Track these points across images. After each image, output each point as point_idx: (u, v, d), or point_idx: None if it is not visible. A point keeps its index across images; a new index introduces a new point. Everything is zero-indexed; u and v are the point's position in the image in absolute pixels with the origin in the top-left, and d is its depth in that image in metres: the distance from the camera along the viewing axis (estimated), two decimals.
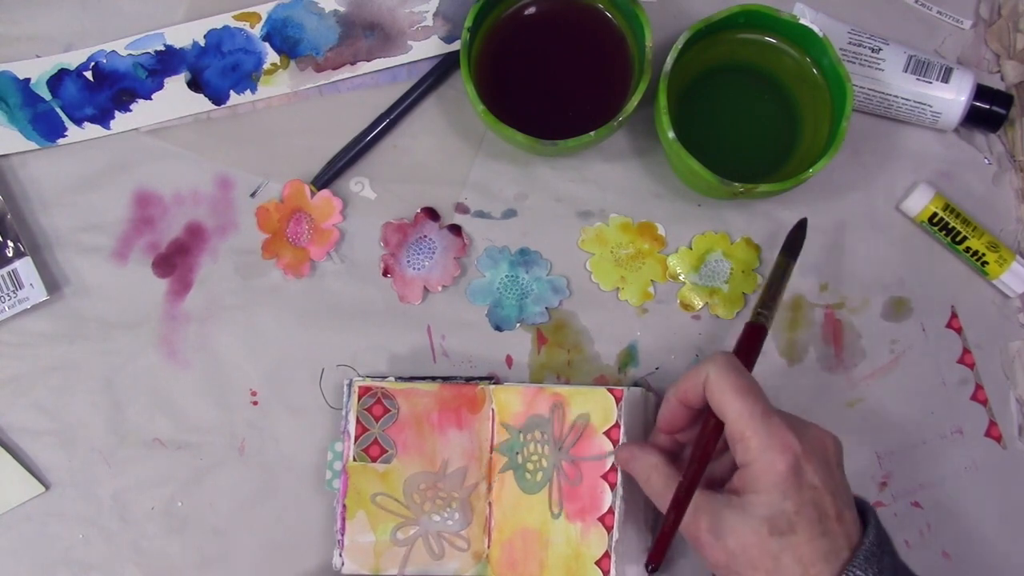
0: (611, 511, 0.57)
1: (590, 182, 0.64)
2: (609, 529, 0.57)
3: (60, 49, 0.63)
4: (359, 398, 0.59)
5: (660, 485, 0.52)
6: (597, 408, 0.58)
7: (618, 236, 0.63)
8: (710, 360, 0.51)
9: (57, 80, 0.63)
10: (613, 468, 0.57)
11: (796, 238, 0.58)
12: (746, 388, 0.50)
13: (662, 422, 0.55)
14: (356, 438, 0.59)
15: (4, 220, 0.61)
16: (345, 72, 0.64)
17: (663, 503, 0.51)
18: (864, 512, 0.51)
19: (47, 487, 0.61)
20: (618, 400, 0.58)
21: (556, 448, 0.58)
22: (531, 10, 0.62)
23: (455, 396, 0.59)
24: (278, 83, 0.64)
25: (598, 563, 0.57)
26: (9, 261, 0.61)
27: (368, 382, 0.59)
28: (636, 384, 0.62)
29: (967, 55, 0.65)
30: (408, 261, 0.63)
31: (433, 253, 0.63)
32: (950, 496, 0.63)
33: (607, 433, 0.58)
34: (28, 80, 0.63)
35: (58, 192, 0.63)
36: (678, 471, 0.52)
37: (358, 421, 0.59)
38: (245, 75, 0.64)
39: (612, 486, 0.57)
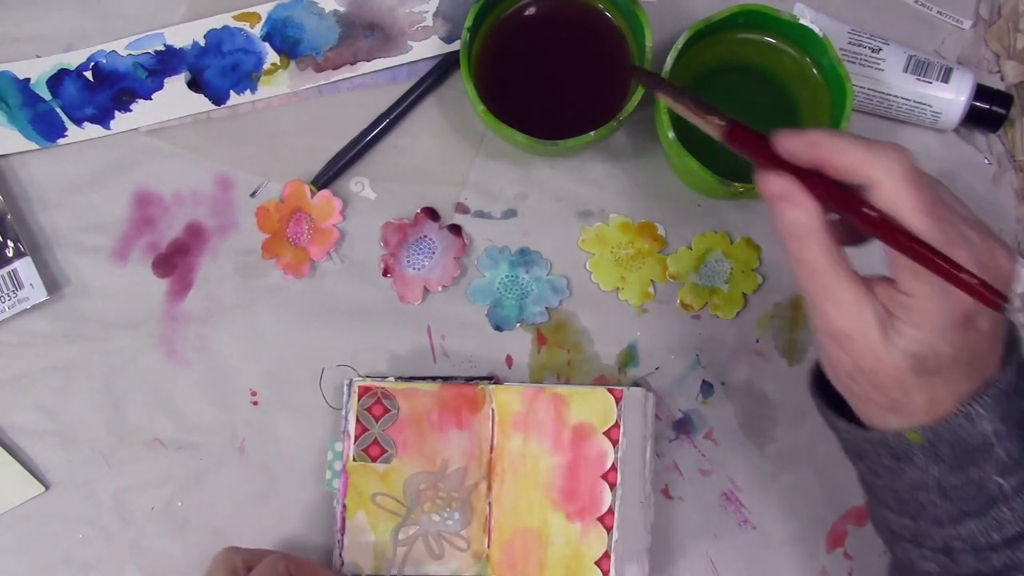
0: (611, 511, 0.57)
1: (590, 182, 0.64)
2: (609, 529, 0.57)
3: (60, 49, 0.63)
4: (359, 398, 0.59)
5: (822, 250, 0.41)
6: (597, 408, 0.58)
7: (618, 236, 0.63)
8: (881, 157, 0.40)
9: (57, 80, 0.63)
10: (613, 468, 0.57)
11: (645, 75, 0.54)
12: (930, 207, 0.39)
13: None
14: (356, 438, 0.59)
15: (4, 220, 0.61)
16: (345, 72, 0.64)
17: (816, 267, 0.41)
18: (1011, 343, 0.44)
19: (47, 487, 0.61)
20: (618, 400, 0.58)
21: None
22: (531, 10, 0.62)
23: (455, 396, 0.59)
24: (278, 83, 0.64)
25: (597, 563, 0.57)
26: (9, 261, 0.61)
27: (368, 382, 0.59)
28: (636, 384, 0.62)
29: (967, 55, 0.65)
30: (408, 261, 0.63)
31: (433, 253, 0.63)
32: None
33: (607, 433, 0.58)
34: (28, 80, 0.63)
35: (58, 192, 0.63)
36: (835, 237, 0.42)
37: (358, 421, 0.59)
38: (245, 75, 0.64)
39: (612, 486, 0.57)
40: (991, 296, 0.38)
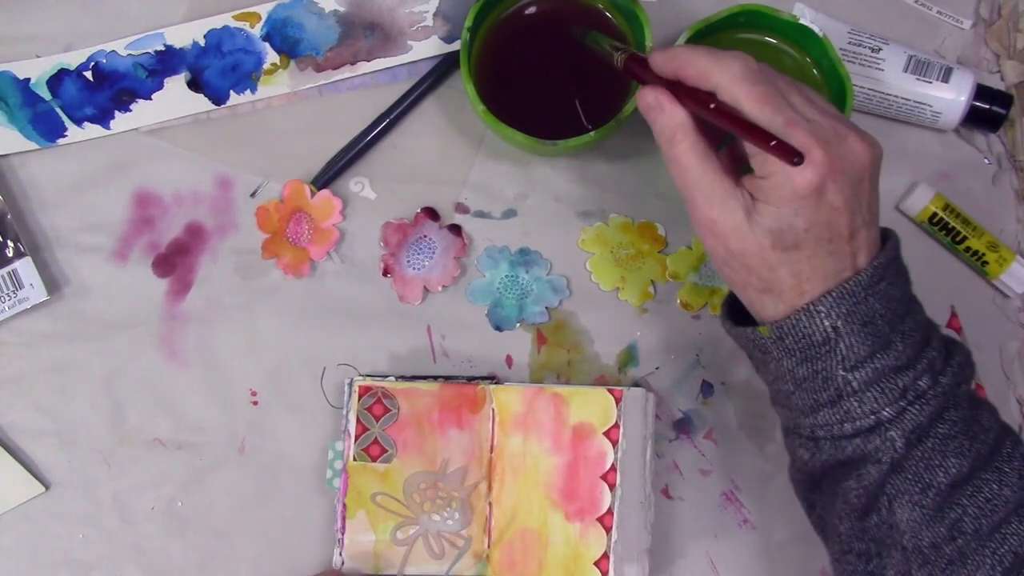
0: (610, 511, 0.57)
1: (590, 182, 0.64)
2: (608, 529, 0.57)
3: (60, 49, 0.63)
4: (359, 397, 0.59)
5: (688, 147, 0.47)
6: (597, 408, 0.58)
7: (618, 236, 0.63)
8: (721, 65, 0.46)
9: (57, 80, 0.63)
10: (612, 468, 0.57)
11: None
12: (764, 97, 0.45)
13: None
14: (356, 437, 0.59)
15: (4, 220, 0.61)
16: (345, 72, 0.64)
17: (685, 164, 0.47)
18: (886, 239, 0.48)
19: (47, 487, 0.61)
20: (618, 400, 0.58)
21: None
22: (531, 10, 0.62)
23: (455, 396, 0.59)
24: (278, 83, 0.64)
25: (596, 563, 0.57)
26: (9, 261, 0.61)
27: (368, 381, 0.59)
28: (636, 384, 0.62)
29: (967, 55, 0.65)
30: (408, 261, 0.63)
31: (433, 253, 0.63)
32: None
33: (606, 434, 0.58)
34: (28, 80, 0.63)
35: (58, 192, 0.63)
36: (706, 140, 0.48)
37: (358, 420, 0.59)
38: (245, 75, 0.64)
39: (611, 487, 0.57)
40: (789, 155, 0.43)
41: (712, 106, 0.46)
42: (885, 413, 0.46)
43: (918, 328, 0.47)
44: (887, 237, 0.49)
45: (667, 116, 0.47)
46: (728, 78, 0.45)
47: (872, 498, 0.47)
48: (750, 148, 0.46)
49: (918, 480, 0.46)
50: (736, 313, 0.52)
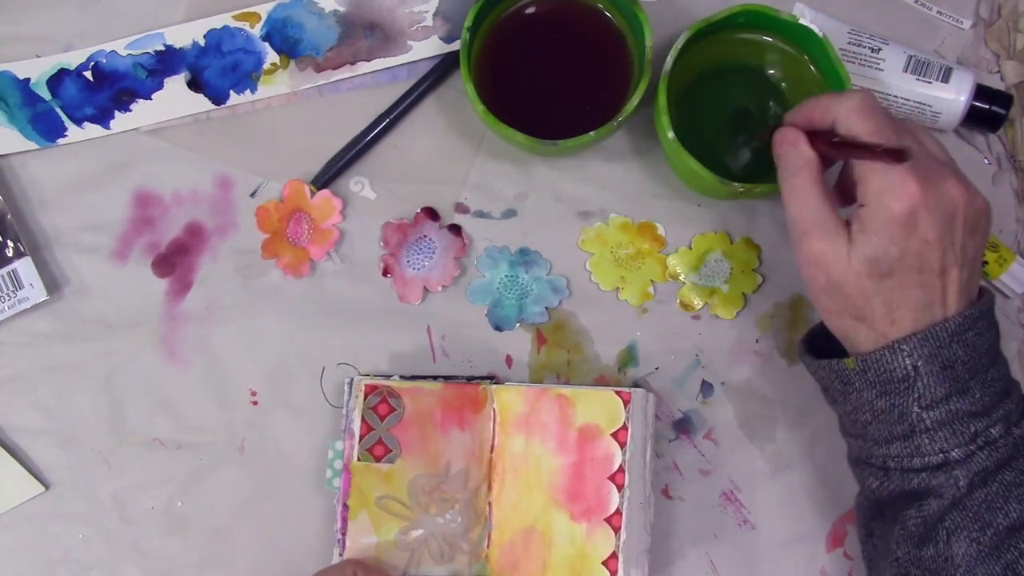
0: (618, 512, 0.57)
1: (590, 182, 0.64)
2: (616, 530, 0.57)
3: (60, 49, 0.63)
4: (364, 396, 0.59)
5: (811, 180, 0.51)
6: (604, 410, 0.58)
7: (618, 236, 0.63)
8: (839, 99, 0.50)
9: (57, 80, 0.63)
10: (620, 469, 0.57)
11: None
12: (877, 125, 0.49)
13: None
14: (360, 437, 0.58)
15: (4, 220, 0.61)
16: (345, 72, 0.64)
17: (806, 195, 0.51)
18: (981, 293, 0.52)
19: (47, 487, 0.61)
20: (626, 403, 0.58)
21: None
22: (531, 10, 0.62)
23: (458, 396, 0.59)
24: (278, 83, 0.64)
25: (605, 563, 0.57)
26: (9, 261, 0.61)
27: (372, 380, 0.59)
28: (636, 384, 0.62)
29: (967, 55, 0.65)
30: (408, 261, 0.63)
31: (433, 253, 0.63)
32: None
33: (614, 435, 0.58)
34: (28, 80, 0.63)
35: (58, 192, 0.63)
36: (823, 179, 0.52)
37: (363, 420, 0.58)
38: (245, 75, 0.64)
39: (619, 487, 0.57)
40: (894, 156, 0.48)
41: (834, 139, 0.50)
42: (954, 454, 0.49)
43: (1000, 380, 0.50)
44: (982, 292, 0.52)
45: (799, 151, 0.51)
46: (845, 109, 0.50)
47: (930, 529, 0.49)
48: (857, 172, 0.49)
49: (978, 519, 0.48)
50: (814, 350, 0.55)
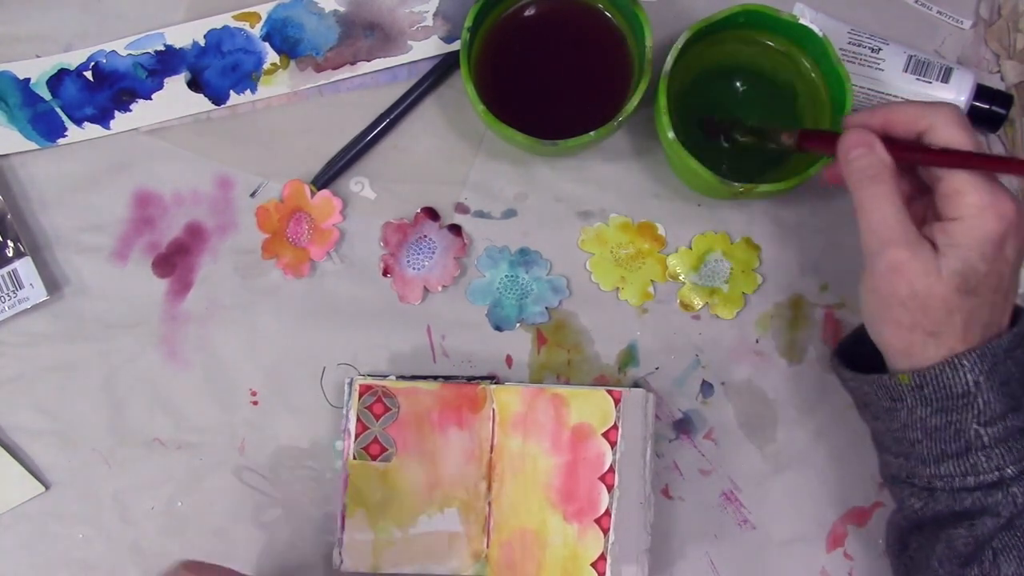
0: (608, 513, 0.57)
1: (590, 182, 0.64)
2: (605, 531, 0.57)
3: (60, 49, 0.63)
4: (360, 396, 0.59)
5: (891, 188, 0.49)
6: (596, 409, 0.58)
7: (618, 236, 0.63)
8: (935, 109, 0.49)
9: (57, 80, 0.63)
10: (611, 469, 0.57)
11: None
12: (975, 145, 0.48)
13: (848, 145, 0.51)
14: (356, 436, 0.59)
15: (4, 220, 0.61)
16: (345, 72, 0.64)
17: (884, 203, 0.49)
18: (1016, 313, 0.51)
19: (47, 487, 0.61)
20: (617, 402, 0.58)
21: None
22: (531, 10, 0.62)
23: (456, 395, 0.59)
24: (278, 83, 0.64)
25: (593, 565, 0.57)
26: (9, 261, 0.61)
27: (369, 380, 0.59)
28: (636, 384, 0.62)
29: (967, 55, 0.65)
30: (408, 261, 0.63)
31: (433, 253, 0.63)
32: None
33: (605, 435, 0.58)
34: (28, 80, 0.63)
35: (58, 192, 0.63)
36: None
37: (358, 419, 0.59)
38: (245, 75, 0.64)
39: (609, 488, 0.57)
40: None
41: (931, 146, 0.49)
42: (1009, 471, 0.48)
43: None
44: (1017, 311, 0.52)
45: (877, 156, 0.49)
46: (944, 120, 0.48)
47: (978, 548, 0.49)
48: (944, 189, 0.48)
49: None
50: (847, 361, 0.54)
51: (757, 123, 0.58)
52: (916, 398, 0.49)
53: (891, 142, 0.49)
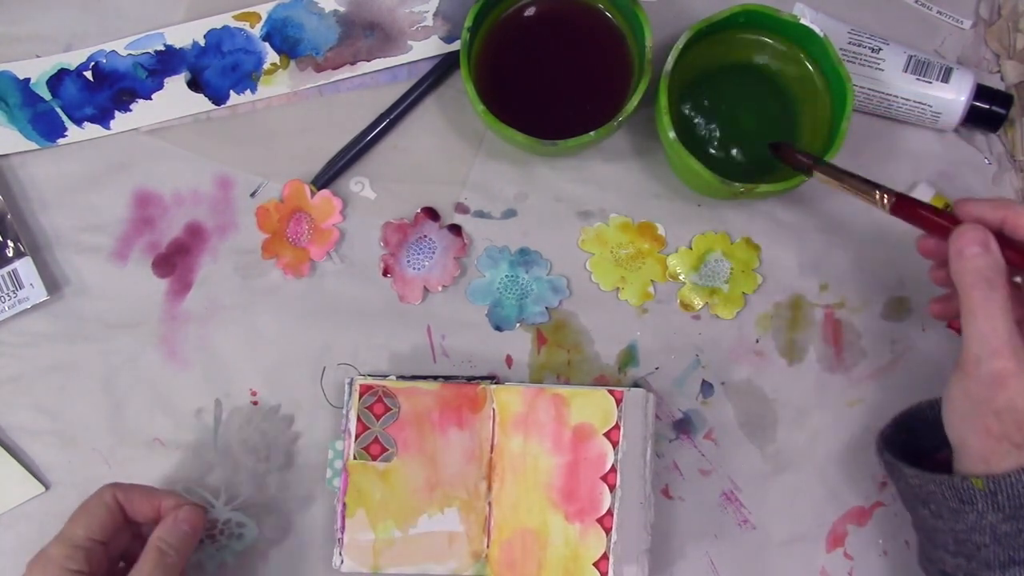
0: (610, 512, 0.57)
1: (590, 182, 0.64)
2: (608, 531, 0.57)
3: (60, 49, 0.63)
4: (360, 396, 0.59)
5: (1005, 295, 0.48)
6: (598, 409, 0.58)
7: (618, 236, 0.63)
8: None
9: (57, 80, 0.63)
10: (612, 469, 0.57)
11: (788, 154, 0.58)
12: None
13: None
14: (356, 436, 0.59)
15: (4, 220, 0.61)
16: (345, 72, 0.64)
17: (997, 310, 0.47)
18: None
19: (47, 487, 0.61)
20: (618, 402, 0.58)
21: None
22: (531, 10, 0.62)
23: (456, 395, 0.59)
24: (278, 83, 0.64)
25: (596, 564, 0.57)
26: (9, 261, 0.61)
27: (369, 380, 0.59)
28: (636, 384, 0.62)
29: (967, 55, 0.65)
30: (408, 261, 0.63)
31: (433, 253, 0.63)
32: None
33: (607, 435, 0.58)
34: (28, 80, 0.63)
35: (58, 192, 0.63)
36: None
37: (359, 419, 0.59)
38: (245, 75, 0.64)
39: (611, 488, 0.57)
40: None
41: None
42: None
43: None
44: None
45: (993, 257, 0.48)
46: None
47: None
48: None
49: None
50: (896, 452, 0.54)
51: (840, 166, 0.55)
52: (988, 503, 0.48)
53: (1007, 242, 0.48)
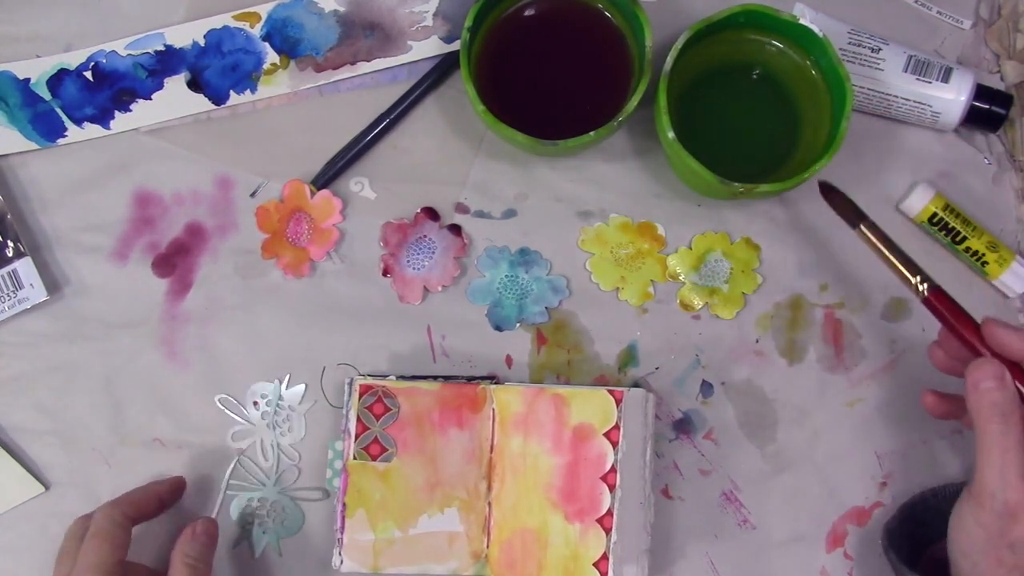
0: (610, 513, 0.57)
1: (590, 182, 0.64)
2: (608, 531, 0.57)
3: (60, 49, 0.63)
4: (360, 396, 0.59)
5: (1022, 429, 0.48)
6: (597, 409, 0.58)
7: (618, 236, 0.63)
8: None
9: (57, 80, 0.63)
10: (612, 469, 0.57)
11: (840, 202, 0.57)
12: None
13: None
14: (356, 436, 0.59)
15: (4, 220, 0.61)
16: (345, 72, 0.64)
17: (1013, 444, 0.48)
18: None
19: (47, 487, 0.61)
20: (618, 402, 0.58)
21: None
22: (531, 10, 0.62)
23: (456, 395, 0.59)
24: (278, 83, 0.64)
25: (596, 564, 0.57)
26: (9, 261, 0.61)
27: (369, 380, 0.59)
28: (636, 384, 0.62)
29: (967, 55, 0.65)
30: (408, 261, 0.63)
31: (433, 253, 0.63)
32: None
33: (607, 435, 0.58)
34: (28, 80, 0.63)
35: (58, 192, 0.63)
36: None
37: (359, 419, 0.59)
38: (245, 75, 0.64)
39: (611, 488, 0.57)
40: None
41: None
42: None
43: None
44: None
45: (1008, 393, 0.49)
46: None
47: None
48: None
49: None
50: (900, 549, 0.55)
51: (885, 232, 0.55)
52: None
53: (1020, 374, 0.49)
